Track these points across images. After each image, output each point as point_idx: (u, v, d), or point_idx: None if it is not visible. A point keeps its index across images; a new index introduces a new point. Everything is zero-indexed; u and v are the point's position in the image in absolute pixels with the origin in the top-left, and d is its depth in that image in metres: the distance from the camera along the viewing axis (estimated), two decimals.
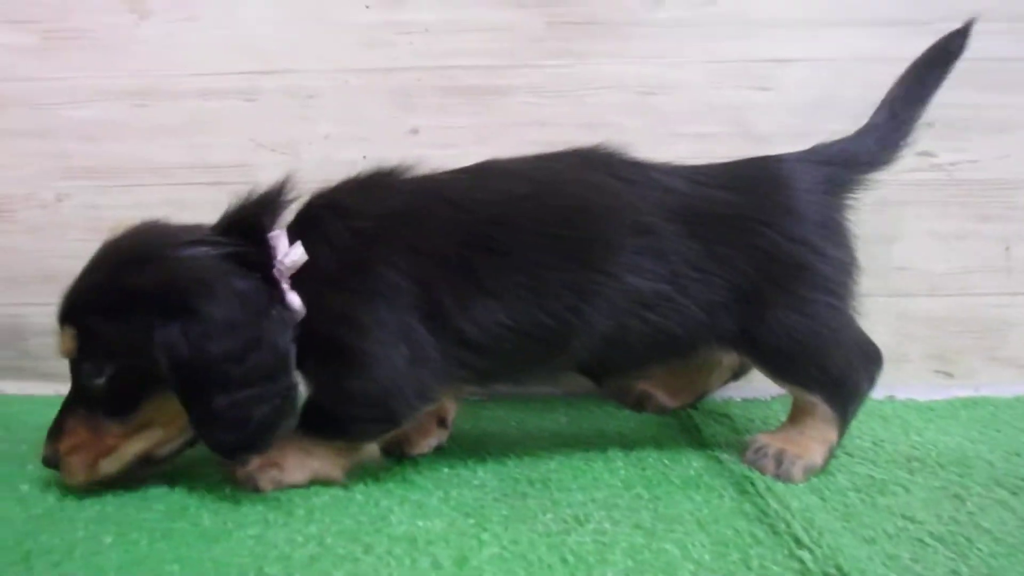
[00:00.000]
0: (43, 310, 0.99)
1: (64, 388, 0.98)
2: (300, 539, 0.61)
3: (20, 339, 0.96)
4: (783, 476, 0.71)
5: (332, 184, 0.71)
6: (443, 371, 0.67)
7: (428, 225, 0.68)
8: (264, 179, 0.94)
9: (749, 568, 0.57)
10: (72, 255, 0.99)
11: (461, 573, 0.56)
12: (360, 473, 0.73)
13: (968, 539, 0.61)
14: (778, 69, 0.91)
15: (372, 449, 0.72)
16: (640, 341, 0.71)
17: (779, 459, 0.72)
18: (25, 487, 0.70)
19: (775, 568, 0.57)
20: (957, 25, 0.78)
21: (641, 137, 0.91)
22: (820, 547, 0.59)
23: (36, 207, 0.96)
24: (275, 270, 0.66)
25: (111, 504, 0.67)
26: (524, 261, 0.68)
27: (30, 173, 0.95)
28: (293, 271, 0.67)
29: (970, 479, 0.72)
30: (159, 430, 0.67)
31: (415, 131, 0.93)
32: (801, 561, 0.58)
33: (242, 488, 0.69)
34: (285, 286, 0.66)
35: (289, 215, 0.70)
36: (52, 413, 0.90)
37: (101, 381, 0.64)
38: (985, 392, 0.95)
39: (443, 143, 0.92)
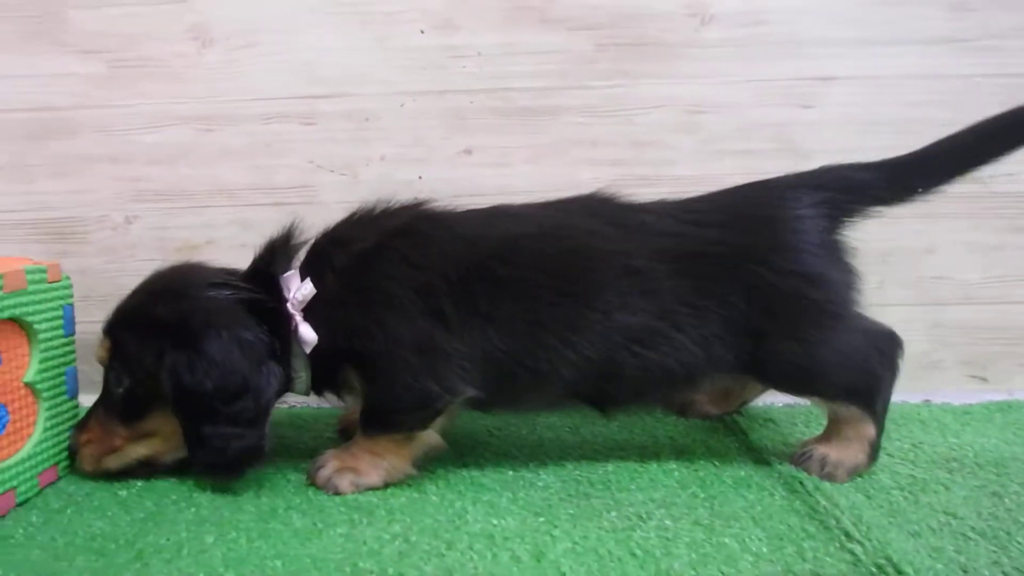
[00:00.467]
0: None
1: None
2: (387, 537, 0.66)
3: (93, 356, 1.01)
4: (827, 478, 0.75)
5: (337, 220, 0.79)
6: (458, 366, 0.72)
7: (427, 244, 0.74)
8: (324, 199, 0.98)
9: (804, 560, 0.61)
10: (141, 274, 1.04)
11: (540, 566, 0.61)
12: (431, 476, 0.78)
13: (1008, 533, 0.65)
14: (822, 87, 0.93)
15: (431, 437, 0.77)
16: (634, 374, 0.74)
17: (823, 463, 0.76)
18: (123, 492, 0.76)
19: (828, 560, 0.61)
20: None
21: (689, 155, 0.95)
22: (870, 540, 0.64)
23: (107, 229, 1.00)
24: (288, 306, 0.74)
25: (205, 508, 0.72)
26: (519, 293, 0.73)
27: (102, 196, 0.99)
28: (304, 304, 0.74)
29: (1007, 478, 0.76)
30: (160, 440, 0.76)
31: (469, 151, 0.96)
32: (853, 553, 0.62)
33: (323, 491, 0.75)
34: (298, 319, 0.74)
35: (301, 255, 0.78)
36: None
37: (120, 390, 0.74)
38: (1018, 396, 0.99)
39: (496, 163, 0.95)
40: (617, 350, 0.73)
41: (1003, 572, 0.59)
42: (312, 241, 0.78)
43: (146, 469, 0.77)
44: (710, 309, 0.73)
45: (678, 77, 0.93)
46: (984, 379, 1.00)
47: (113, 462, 0.76)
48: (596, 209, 0.78)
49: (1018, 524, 0.67)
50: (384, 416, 0.75)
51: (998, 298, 0.98)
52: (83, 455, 0.76)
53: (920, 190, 0.76)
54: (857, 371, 0.75)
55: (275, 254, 0.77)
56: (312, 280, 0.74)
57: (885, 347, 0.77)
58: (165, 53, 0.95)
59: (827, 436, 0.79)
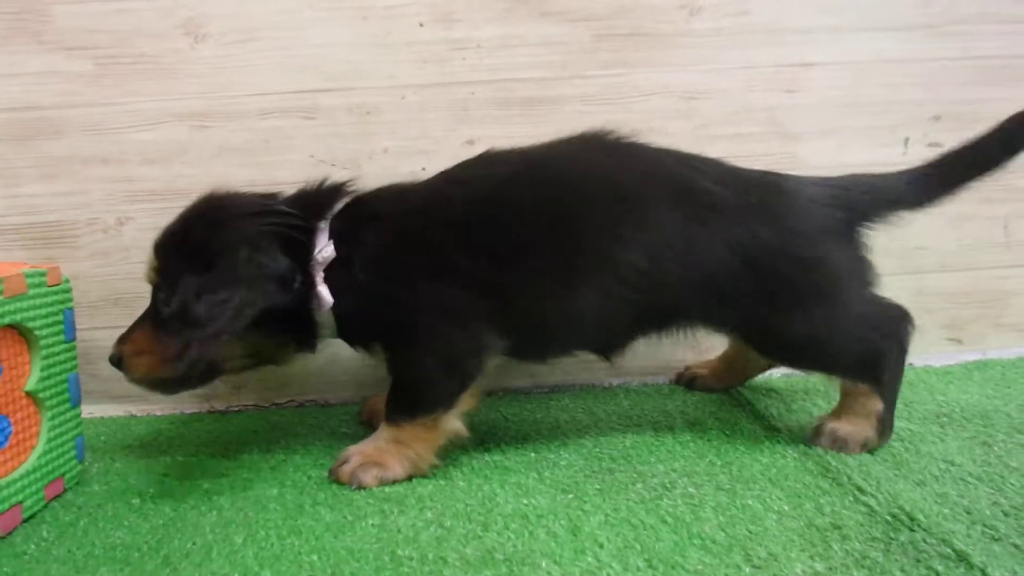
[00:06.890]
0: (111, 333, 1.00)
1: (134, 409, 1.00)
2: (420, 524, 0.66)
3: (89, 363, 0.97)
4: (839, 451, 0.77)
5: (373, 189, 0.81)
6: (485, 332, 0.74)
7: (439, 214, 0.75)
8: None
9: (823, 514, 0.65)
10: (136, 277, 1.00)
11: (577, 540, 0.62)
12: (455, 463, 0.78)
13: (1001, 476, 0.71)
14: (804, 72, 0.98)
15: (455, 425, 0.76)
16: (629, 313, 0.75)
17: (833, 437, 0.78)
18: (136, 500, 0.74)
19: (846, 512, 0.65)
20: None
21: (685, 140, 0.99)
22: (881, 493, 0.68)
23: (99, 231, 0.96)
24: (311, 264, 0.76)
25: (228, 510, 0.71)
26: (525, 235, 0.73)
27: (92, 198, 0.95)
28: (324, 266, 0.76)
29: (993, 429, 0.82)
30: None
31: (472, 142, 0.98)
32: (867, 506, 0.66)
33: (347, 486, 0.74)
34: (318, 279, 0.75)
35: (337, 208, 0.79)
36: (126, 433, 0.96)
37: (168, 309, 0.73)
38: (992, 355, 1.07)
39: None
40: (620, 287, 0.73)
41: (1002, 511, 0.64)
42: (349, 204, 0.79)
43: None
44: (705, 260, 0.73)
45: (672, 65, 0.97)
46: (959, 341, 1.08)
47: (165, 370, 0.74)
48: (595, 144, 0.79)
49: (1009, 468, 0.72)
50: (411, 390, 0.75)
51: (971, 264, 1.05)
52: (134, 363, 0.75)
53: (936, 196, 0.78)
54: (854, 346, 0.76)
55: (322, 198, 0.79)
56: (342, 248, 0.75)
57: (890, 323, 0.77)
58: (156, 49, 0.92)
59: (838, 411, 0.81)
